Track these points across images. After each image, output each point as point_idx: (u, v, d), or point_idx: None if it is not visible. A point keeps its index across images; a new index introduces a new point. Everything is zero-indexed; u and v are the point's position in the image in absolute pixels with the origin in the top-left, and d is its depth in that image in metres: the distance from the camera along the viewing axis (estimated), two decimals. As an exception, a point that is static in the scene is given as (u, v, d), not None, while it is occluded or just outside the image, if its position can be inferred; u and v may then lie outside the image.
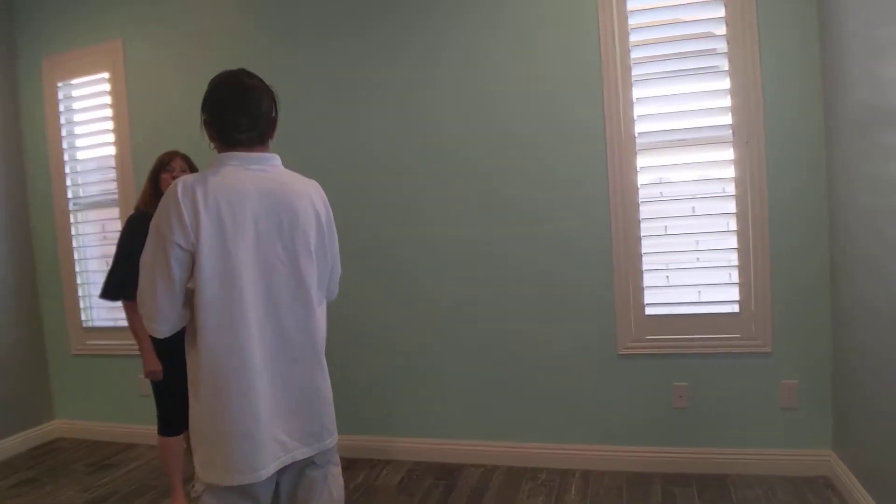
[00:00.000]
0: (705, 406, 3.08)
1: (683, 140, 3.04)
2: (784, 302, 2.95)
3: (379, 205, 3.52)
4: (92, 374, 4.25)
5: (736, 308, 3.01)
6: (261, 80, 1.72)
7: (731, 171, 2.98)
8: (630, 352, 3.16)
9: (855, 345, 2.63)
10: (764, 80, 2.90)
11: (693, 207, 3.06)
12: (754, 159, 2.93)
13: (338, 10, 3.53)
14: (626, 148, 3.10)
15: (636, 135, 3.09)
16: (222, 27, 3.78)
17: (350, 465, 3.45)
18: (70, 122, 4.22)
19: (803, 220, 2.91)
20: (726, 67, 2.96)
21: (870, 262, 2.44)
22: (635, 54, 3.08)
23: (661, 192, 3.12)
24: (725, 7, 2.93)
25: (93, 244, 4.21)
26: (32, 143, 4.29)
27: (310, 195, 1.73)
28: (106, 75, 4.06)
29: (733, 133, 2.96)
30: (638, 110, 3.09)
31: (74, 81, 4.18)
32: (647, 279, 3.12)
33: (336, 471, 1.80)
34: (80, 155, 4.24)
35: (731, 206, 2.99)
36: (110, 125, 4.08)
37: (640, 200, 3.11)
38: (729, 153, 2.98)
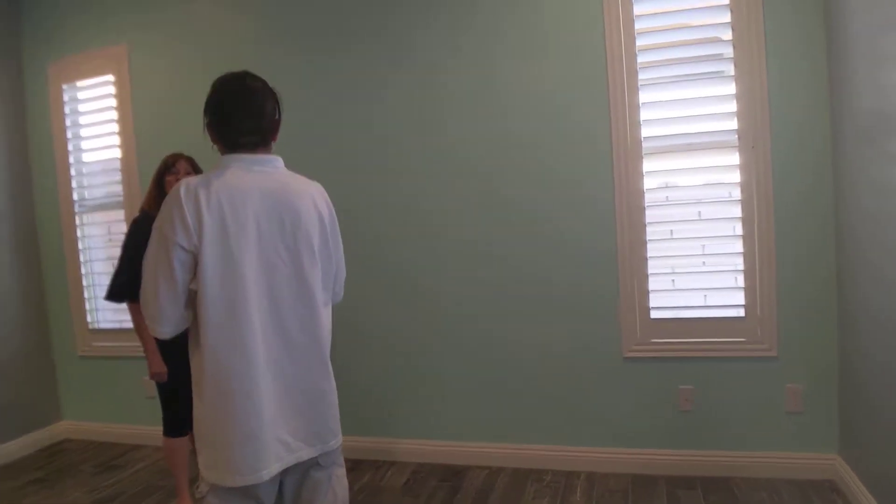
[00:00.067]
0: (710, 409, 3.08)
1: (689, 144, 3.04)
2: (790, 306, 2.94)
3: (384, 206, 3.53)
4: (98, 375, 4.27)
5: (741, 312, 3.01)
6: (264, 81, 1.72)
7: (737, 176, 2.98)
8: (635, 355, 3.16)
9: (861, 349, 2.63)
10: (770, 84, 2.90)
11: (699, 212, 3.06)
12: (760, 164, 2.93)
13: (342, 13, 3.54)
14: (632, 152, 3.10)
15: (642, 139, 3.09)
16: (226, 31, 3.80)
17: (355, 467, 3.46)
18: (75, 125, 4.23)
19: (809, 224, 2.91)
20: (732, 72, 2.96)
21: (875, 268, 2.44)
22: (641, 59, 3.08)
23: (667, 197, 3.13)
24: (732, 12, 2.93)
25: (98, 246, 4.23)
26: (38, 146, 4.31)
27: (312, 196, 1.74)
28: (111, 78, 4.08)
29: (739, 138, 2.96)
30: (644, 114, 3.09)
31: (80, 84, 4.19)
32: (653, 283, 3.12)
33: (340, 472, 1.80)
34: (85, 157, 4.25)
35: (738, 211, 2.99)
36: (115, 128, 4.09)
37: (646, 204, 3.11)
38: (735, 158, 2.98)
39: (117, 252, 2.94)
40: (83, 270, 4.24)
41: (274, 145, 1.76)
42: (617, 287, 3.16)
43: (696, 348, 3.07)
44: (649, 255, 3.11)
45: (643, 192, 3.11)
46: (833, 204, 2.86)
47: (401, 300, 3.54)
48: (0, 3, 4.16)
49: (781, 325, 2.96)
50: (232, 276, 1.56)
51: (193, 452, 1.73)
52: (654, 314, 3.13)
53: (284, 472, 1.69)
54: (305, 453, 1.68)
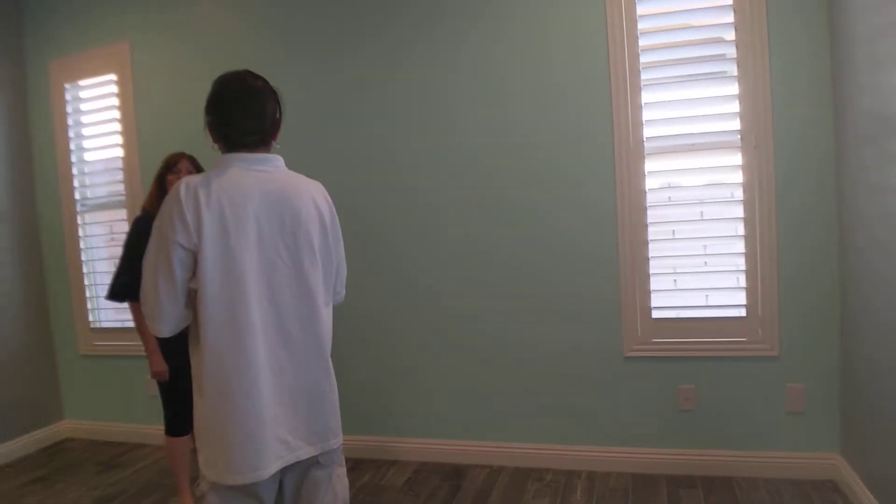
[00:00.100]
0: (711, 408, 3.08)
1: (692, 144, 3.04)
2: (791, 306, 2.95)
3: (385, 206, 3.54)
4: (100, 374, 4.27)
5: (743, 312, 3.01)
6: (265, 81, 1.72)
7: (739, 177, 2.98)
8: (636, 354, 3.16)
9: (862, 349, 2.63)
10: (773, 85, 2.90)
11: (702, 212, 3.06)
12: (763, 164, 2.93)
13: (345, 14, 3.54)
14: (634, 152, 3.10)
15: (644, 139, 3.09)
16: (227, 30, 3.80)
17: (356, 466, 3.47)
18: (77, 124, 4.24)
19: (811, 224, 2.91)
20: (735, 73, 2.96)
21: (875, 269, 2.44)
22: (644, 59, 3.08)
23: (669, 197, 3.13)
24: (735, 12, 2.93)
25: (100, 245, 4.23)
26: (40, 145, 4.31)
27: (312, 195, 1.73)
28: (113, 77, 4.08)
29: (742, 138, 2.96)
30: (646, 115, 3.09)
31: (82, 83, 4.20)
32: (654, 282, 3.12)
33: (341, 471, 1.80)
34: (87, 156, 4.26)
35: (740, 211, 2.99)
36: (117, 127, 4.10)
37: (648, 204, 3.11)
38: (737, 158, 2.98)
39: (119, 251, 2.94)
40: (85, 269, 4.25)
41: (275, 145, 1.76)
42: (618, 287, 3.16)
43: (697, 348, 3.08)
44: (651, 255, 3.11)
45: (645, 192, 3.11)
46: (836, 205, 2.86)
47: (402, 300, 3.54)
48: (1, 2, 4.16)
49: (783, 324, 2.96)
50: (232, 276, 1.56)
51: (195, 451, 1.74)
52: (655, 314, 3.13)
53: (284, 471, 1.69)
54: (305, 452, 1.68)
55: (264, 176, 1.66)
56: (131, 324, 3.04)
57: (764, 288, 2.96)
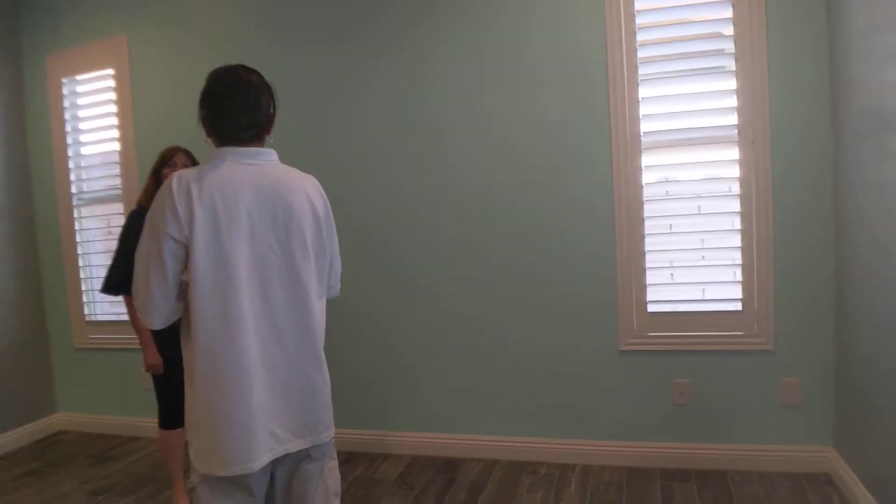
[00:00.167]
0: (706, 402, 3.08)
1: (689, 139, 3.04)
2: (787, 300, 2.95)
3: (377, 202, 3.53)
4: (94, 367, 4.26)
5: (738, 306, 3.01)
6: (259, 75, 1.72)
7: (736, 171, 2.99)
8: (631, 348, 3.16)
9: (857, 344, 2.63)
10: (771, 80, 2.90)
11: (699, 206, 3.06)
12: (760, 159, 2.93)
13: (339, 7, 3.54)
14: (631, 146, 3.09)
15: (641, 134, 3.09)
16: (225, 24, 3.80)
17: (349, 459, 3.47)
18: (74, 118, 4.23)
19: (808, 220, 2.91)
20: (733, 68, 2.95)
21: (870, 264, 2.45)
22: (642, 53, 3.08)
23: (666, 191, 3.13)
24: (733, 7, 2.93)
25: (96, 238, 4.23)
26: (37, 139, 4.30)
27: (305, 189, 1.73)
28: (111, 71, 4.07)
29: (739, 133, 2.96)
30: (644, 109, 3.09)
31: (79, 77, 4.19)
32: (650, 276, 3.12)
33: (332, 464, 1.80)
34: (84, 150, 4.25)
35: (737, 206, 2.99)
36: (114, 121, 4.09)
37: (645, 199, 3.11)
38: (735, 153, 2.98)
39: (115, 245, 2.94)
40: (81, 263, 4.24)
41: (269, 139, 1.75)
42: (614, 281, 3.16)
43: (692, 342, 3.08)
44: (647, 249, 3.11)
45: (642, 187, 3.11)
46: (832, 200, 2.86)
47: (396, 295, 3.54)
48: (-1, -5, 4.16)
49: (778, 319, 2.96)
50: (223, 269, 1.56)
51: (188, 444, 1.74)
52: (650, 308, 3.13)
53: (275, 464, 1.69)
54: (295, 445, 1.68)
55: (257, 170, 1.66)
56: (126, 317, 3.04)
57: (760, 282, 2.96)
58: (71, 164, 4.22)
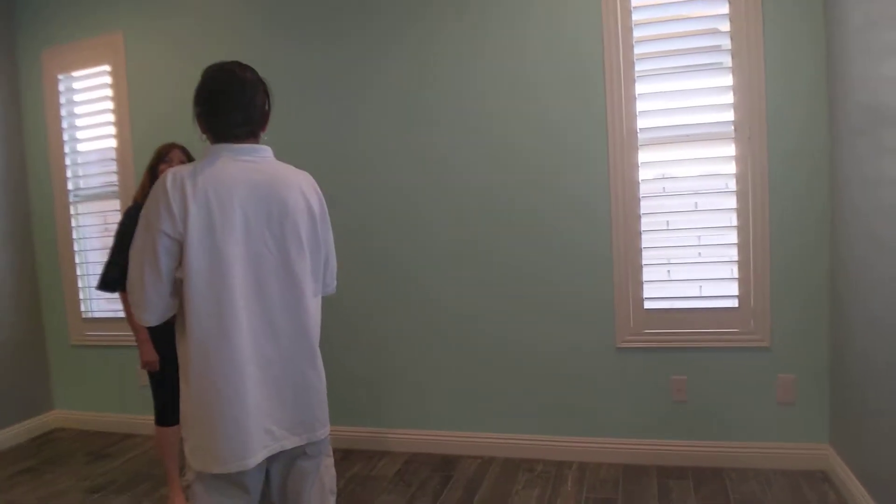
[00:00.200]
0: (703, 399, 3.08)
1: (686, 136, 3.04)
2: (783, 297, 2.95)
3: (376, 201, 3.53)
4: (91, 364, 4.26)
5: (735, 303, 3.01)
6: (254, 71, 1.71)
7: (733, 167, 2.98)
8: (628, 345, 3.16)
9: (852, 340, 2.63)
10: (768, 76, 2.89)
11: (696, 203, 3.05)
12: (756, 156, 2.92)
13: (338, 5, 3.52)
14: (628, 143, 3.09)
15: (638, 130, 3.08)
16: (222, 20, 3.79)
17: (346, 456, 3.47)
18: (71, 115, 4.22)
19: (804, 216, 2.91)
20: (730, 64, 2.95)
21: (865, 261, 2.45)
22: (638, 49, 3.07)
23: (663, 188, 3.12)
24: (730, 3, 2.92)
25: (93, 235, 4.22)
26: (33, 135, 4.29)
27: (300, 186, 1.72)
28: (107, 68, 4.06)
29: (735, 129, 2.95)
30: (640, 106, 3.08)
31: (75, 74, 4.18)
32: (647, 273, 3.12)
33: (328, 462, 1.80)
34: (80, 147, 4.24)
35: (734, 202, 2.98)
36: (111, 117, 4.07)
37: (641, 195, 3.10)
38: (731, 149, 2.97)
39: (111, 242, 2.93)
40: (77, 259, 4.23)
41: (263, 136, 1.75)
42: (611, 277, 3.16)
43: (689, 339, 3.07)
44: (644, 246, 3.11)
45: (638, 183, 3.10)
46: (828, 196, 2.86)
47: (395, 293, 3.53)
48: (-6, -10, 4.14)
49: (775, 315, 2.96)
50: (217, 265, 1.56)
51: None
52: (647, 304, 3.13)
53: (271, 461, 1.69)
54: (290, 442, 1.67)
55: (252, 166, 1.65)
56: (122, 314, 3.03)
57: (756, 279, 2.96)
58: (67, 161, 4.20)
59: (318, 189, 1.81)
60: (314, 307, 1.74)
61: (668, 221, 3.10)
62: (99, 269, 2.97)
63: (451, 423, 3.48)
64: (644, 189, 3.11)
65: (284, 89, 3.51)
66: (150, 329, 2.75)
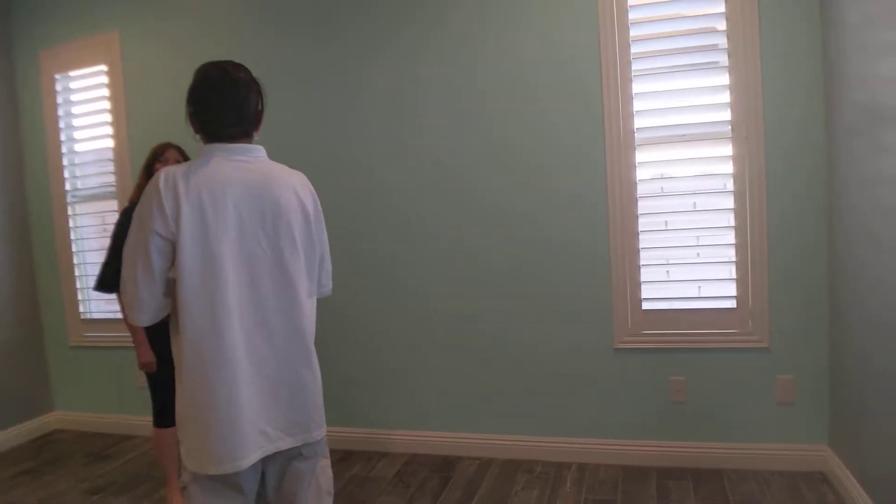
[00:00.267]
0: (702, 400, 3.08)
1: (683, 136, 3.02)
2: (782, 297, 2.94)
3: (373, 202, 3.52)
4: (90, 365, 4.26)
5: (733, 303, 3.00)
6: (248, 71, 1.70)
7: (731, 167, 2.97)
8: (626, 346, 3.15)
9: (851, 341, 2.63)
10: (764, 75, 2.88)
11: (694, 203, 3.04)
12: (753, 155, 2.91)
13: (333, 5, 3.51)
14: (625, 143, 3.08)
15: (635, 130, 3.07)
16: (217, 19, 3.78)
17: (345, 458, 3.46)
18: (68, 115, 4.21)
19: (802, 216, 2.90)
20: (727, 63, 2.94)
21: (862, 261, 2.44)
22: (635, 49, 3.05)
23: (661, 188, 3.11)
24: (726, 2, 2.91)
25: (91, 236, 4.22)
26: (30, 136, 4.29)
27: (294, 186, 1.71)
28: (103, 67, 4.05)
29: (732, 129, 2.94)
30: (637, 105, 3.07)
31: (72, 73, 4.17)
32: (645, 274, 3.11)
33: (325, 463, 1.79)
34: (78, 147, 4.24)
35: (732, 202, 2.97)
36: (108, 117, 4.07)
37: (639, 196, 3.09)
38: (728, 149, 2.96)
39: (108, 242, 2.93)
40: (75, 260, 4.22)
41: (256, 136, 1.74)
42: (608, 278, 3.15)
43: (687, 339, 3.07)
44: (642, 246, 3.10)
45: (636, 184, 3.09)
46: (826, 196, 2.85)
47: (392, 294, 3.53)
48: (-10, -9, 4.14)
49: (773, 316, 2.95)
50: (210, 265, 1.55)
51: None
52: (645, 305, 3.12)
53: (266, 462, 1.68)
54: (285, 443, 1.67)
55: (245, 166, 1.65)
56: (121, 315, 3.02)
57: (755, 279, 2.95)
58: (65, 161, 4.20)
59: (313, 189, 1.80)
60: (309, 307, 1.74)
61: (666, 221, 3.09)
62: (97, 270, 2.97)
63: (450, 424, 3.48)
64: (642, 189, 3.10)
65: (280, 89, 3.54)
66: (148, 330, 2.75)
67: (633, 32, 3.05)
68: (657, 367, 3.13)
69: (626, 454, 3.18)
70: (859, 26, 2.40)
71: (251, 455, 1.60)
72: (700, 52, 3.01)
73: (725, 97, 2.95)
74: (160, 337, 2.72)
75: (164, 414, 2.87)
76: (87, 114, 4.19)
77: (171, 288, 1.59)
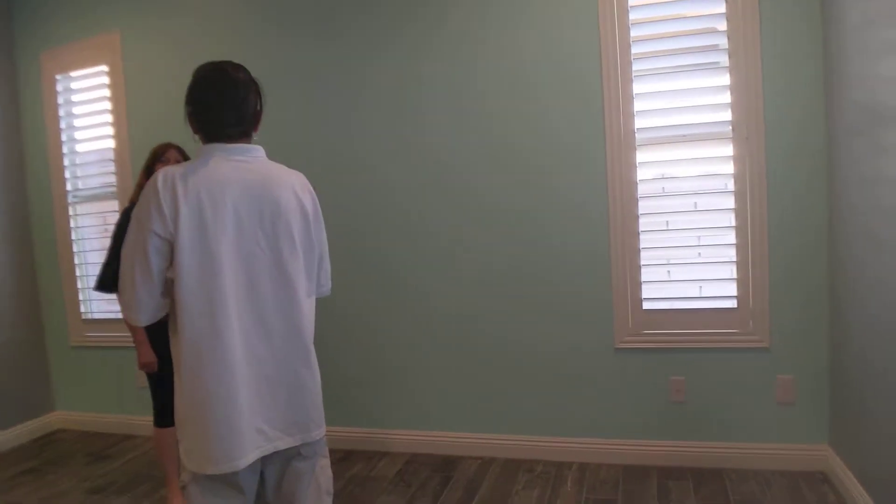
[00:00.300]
0: (702, 400, 3.08)
1: (683, 136, 3.02)
2: (782, 297, 2.94)
3: (374, 201, 3.52)
4: (91, 365, 4.26)
5: (734, 303, 3.00)
6: (246, 71, 1.70)
7: (731, 167, 2.97)
8: (627, 346, 3.16)
9: (851, 341, 2.62)
10: (765, 75, 2.88)
11: (695, 203, 3.04)
12: (754, 155, 2.91)
13: (335, 4, 3.52)
14: (626, 143, 3.08)
15: (635, 130, 3.07)
16: (218, 19, 3.78)
17: (346, 457, 3.47)
18: (69, 115, 4.22)
19: (802, 216, 2.90)
20: (727, 63, 2.93)
21: (863, 261, 2.44)
22: (636, 49, 3.05)
23: (663, 188, 3.11)
24: (727, 2, 2.91)
25: (92, 236, 4.22)
26: (32, 136, 4.29)
27: (293, 186, 1.72)
28: (104, 68, 4.06)
29: (733, 129, 2.94)
30: (638, 105, 3.07)
31: (73, 74, 4.18)
32: (645, 274, 3.11)
33: (324, 462, 1.79)
34: (79, 147, 4.24)
35: (732, 202, 2.97)
36: (109, 118, 4.08)
37: (640, 196, 3.09)
38: (729, 149, 2.96)
39: (109, 243, 2.93)
40: (76, 260, 4.23)
41: (255, 136, 1.74)
42: (609, 278, 3.15)
43: (687, 339, 3.07)
44: (643, 246, 3.10)
45: (636, 184, 3.09)
46: (826, 196, 2.85)
47: (393, 294, 3.53)
48: (-8, -8, 4.15)
49: (774, 316, 2.95)
50: (208, 265, 1.55)
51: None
52: (646, 305, 3.12)
53: (265, 462, 1.68)
54: (284, 443, 1.67)
55: (244, 166, 1.65)
56: (121, 315, 3.02)
57: (755, 279, 2.95)
58: (66, 161, 4.21)
59: (312, 189, 1.80)
60: (308, 307, 1.74)
61: (667, 221, 3.09)
62: (98, 270, 2.97)
63: (450, 424, 3.48)
64: (643, 189, 3.10)
65: (283, 88, 3.55)
66: (148, 330, 2.75)
67: (633, 33, 3.05)
68: (657, 367, 3.13)
69: (627, 454, 3.18)
70: (860, 26, 2.40)
71: (248, 455, 1.60)
72: (701, 52, 3.01)
73: (726, 97, 2.95)
74: (161, 337, 2.72)
75: (165, 414, 2.87)
76: (88, 114, 4.20)
77: (169, 288, 1.59)
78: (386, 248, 3.52)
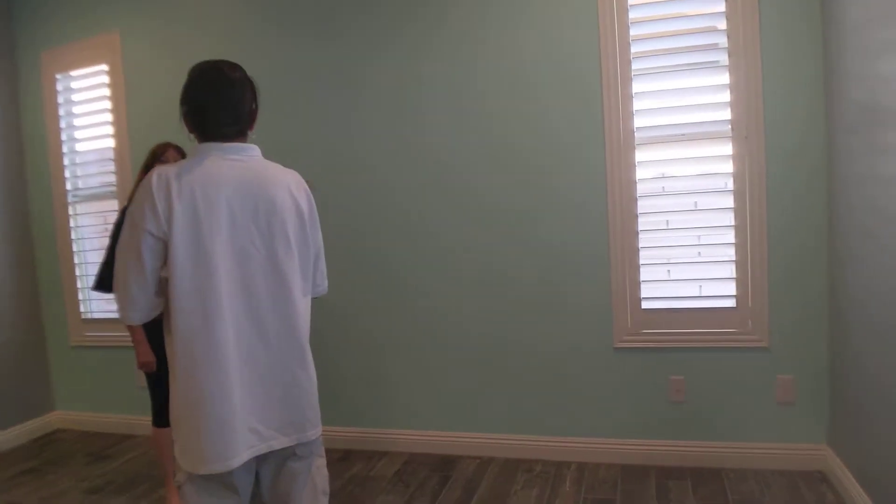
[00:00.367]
0: (701, 400, 3.07)
1: (683, 135, 3.02)
2: (782, 297, 2.93)
3: (375, 202, 3.52)
4: (91, 365, 4.27)
5: (733, 303, 3.00)
6: (242, 70, 1.70)
7: (731, 166, 2.96)
8: (626, 345, 3.15)
9: (849, 340, 2.62)
10: (765, 75, 2.88)
11: (695, 202, 3.04)
12: (754, 155, 2.91)
13: (334, 4, 3.52)
14: (625, 142, 3.08)
15: (635, 129, 3.07)
16: (218, 19, 3.78)
17: (345, 457, 3.47)
18: (69, 114, 4.22)
19: (802, 215, 2.90)
20: (727, 62, 2.93)
21: (862, 261, 2.43)
22: (635, 48, 3.05)
23: (662, 187, 3.11)
24: (726, 1, 2.90)
25: (92, 236, 4.23)
26: (32, 136, 4.30)
27: (288, 185, 1.71)
28: (104, 67, 4.06)
29: (732, 128, 2.94)
30: (637, 104, 3.07)
31: (73, 73, 4.18)
32: (644, 273, 3.11)
33: (321, 462, 1.78)
34: (79, 147, 4.25)
35: (732, 202, 2.96)
36: (109, 117, 4.08)
37: (639, 195, 3.09)
38: (728, 148, 2.96)
39: (108, 242, 2.93)
40: (76, 260, 4.23)
41: (251, 135, 1.74)
42: (608, 277, 3.15)
43: (687, 339, 3.07)
44: (642, 245, 3.10)
45: (635, 183, 3.09)
46: (826, 196, 2.85)
47: (392, 294, 3.53)
48: (-8, -8, 4.15)
49: (773, 315, 2.95)
50: (202, 264, 1.55)
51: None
52: (645, 304, 3.12)
53: (260, 462, 1.68)
54: (279, 443, 1.66)
55: (240, 165, 1.65)
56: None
57: (754, 279, 2.95)
58: (66, 161, 4.21)
59: (307, 188, 1.80)
60: (303, 306, 1.73)
61: (667, 221, 3.09)
62: (97, 270, 2.98)
63: (449, 424, 3.48)
64: (642, 188, 3.10)
65: (282, 88, 3.55)
66: (147, 329, 2.75)
67: (633, 32, 3.05)
68: (657, 367, 3.12)
69: (626, 453, 3.17)
70: (859, 26, 2.40)
71: (241, 454, 1.59)
72: (700, 51, 3.01)
73: (725, 96, 2.95)
74: (159, 336, 2.71)
75: (163, 413, 2.86)
76: (88, 113, 4.21)
77: (163, 287, 1.59)
78: (386, 248, 3.52)
